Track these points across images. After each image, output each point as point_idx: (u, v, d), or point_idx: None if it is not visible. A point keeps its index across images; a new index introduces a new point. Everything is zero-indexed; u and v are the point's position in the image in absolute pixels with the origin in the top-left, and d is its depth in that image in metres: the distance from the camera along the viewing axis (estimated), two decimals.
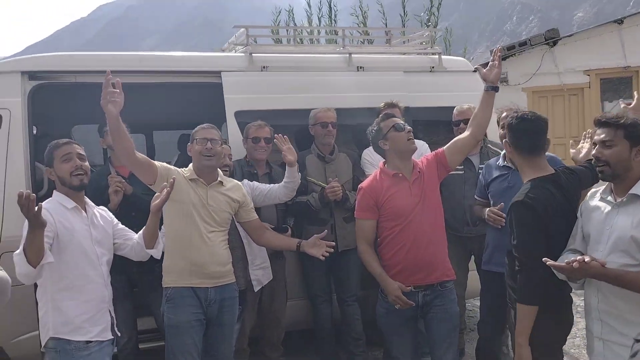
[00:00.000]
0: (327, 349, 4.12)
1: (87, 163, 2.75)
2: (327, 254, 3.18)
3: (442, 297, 2.99)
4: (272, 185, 3.61)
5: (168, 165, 3.10)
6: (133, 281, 3.69)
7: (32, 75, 3.77)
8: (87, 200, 2.81)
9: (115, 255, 3.17)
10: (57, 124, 5.21)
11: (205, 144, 3.01)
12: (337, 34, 5.37)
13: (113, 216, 2.95)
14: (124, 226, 2.93)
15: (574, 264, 2.13)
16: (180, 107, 5.14)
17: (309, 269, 4.05)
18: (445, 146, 3.10)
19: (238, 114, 4.13)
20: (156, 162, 3.04)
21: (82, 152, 2.75)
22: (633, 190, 2.26)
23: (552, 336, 2.56)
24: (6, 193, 3.56)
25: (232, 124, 4.12)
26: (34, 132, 3.88)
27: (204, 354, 3.05)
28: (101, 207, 2.94)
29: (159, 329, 3.66)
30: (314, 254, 3.18)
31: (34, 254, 2.33)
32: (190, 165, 3.12)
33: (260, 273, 3.54)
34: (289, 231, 3.69)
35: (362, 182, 3.93)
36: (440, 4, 10.41)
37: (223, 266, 3.06)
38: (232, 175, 3.70)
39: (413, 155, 3.09)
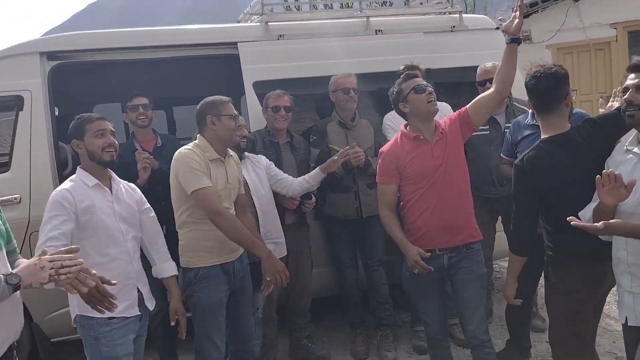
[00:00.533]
0: (354, 315, 4.15)
1: (116, 141, 2.73)
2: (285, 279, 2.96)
3: (468, 259, 2.96)
4: (287, 176, 3.58)
5: (201, 169, 2.88)
6: None
7: (50, 55, 3.79)
8: (114, 175, 2.78)
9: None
10: (78, 103, 5.25)
11: (238, 120, 3.01)
12: None
13: (143, 198, 2.89)
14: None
15: (599, 224, 2.17)
16: (199, 81, 5.13)
17: (333, 236, 4.07)
18: (469, 104, 3.02)
19: (256, 85, 4.11)
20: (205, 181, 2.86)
21: (113, 130, 2.74)
22: None
23: (577, 286, 2.54)
24: (32, 174, 3.63)
25: (250, 95, 4.10)
26: (56, 112, 3.93)
27: (229, 323, 3.06)
28: (130, 184, 2.90)
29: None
30: (332, 168, 3.38)
31: None
32: (199, 141, 2.97)
33: (273, 247, 3.50)
34: (313, 199, 3.68)
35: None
36: None
37: None
38: (252, 146, 3.70)
39: (436, 117, 3.03)
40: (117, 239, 2.62)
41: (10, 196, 3.60)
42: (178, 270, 2.99)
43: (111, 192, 2.70)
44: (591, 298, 2.59)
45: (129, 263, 2.68)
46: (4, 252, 2.06)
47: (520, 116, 3.64)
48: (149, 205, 2.89)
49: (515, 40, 2.83)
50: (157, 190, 3.48)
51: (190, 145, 2.97)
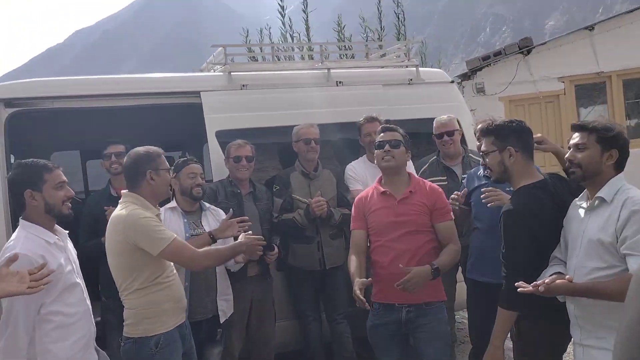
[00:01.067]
0: None
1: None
2: (261, 243, 3.00)
3: (428, 316, 2.94)
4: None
5: (159, 223, 2.74)
6: None
7: (8, 102, 3.70)
8: (58, 228, 2.55)
9: (109, 280, 2.98)
10: (36, 151, 5.12)
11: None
12: (312, 50, 5.38)
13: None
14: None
15: (540, 287, 2.23)
16: (161, 129, 5.11)
17: (296, 288, 4.01)
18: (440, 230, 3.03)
19: (219, 134, 4.11)
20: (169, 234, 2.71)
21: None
22: (599, 194, 2.31)
23: (549, 338, 2.56)
24: None
25: (213, 144, 4.09)
26: (12, 160, 3.81)
27: None
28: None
29: None
30: (228, 235, 3.21)
31: None
32: (134, 199, 2.73)
33: (225, 304, 3.44)
34: (275, 249, 3.65)
35: (346, 197, 3.95)
36: (404, 17, 10.55)
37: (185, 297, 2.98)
38: (214, 195, 3.67)
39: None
40: (80, 297, 2.46)
41: None
42: (124, 343, 2.74)
43: (65, 246, 2.54)
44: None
45: (91, 321, 2.54)
46: None
47: (473, 169, 3.74)
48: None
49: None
50: None
51: (129, 206, 2.69)
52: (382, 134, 3.11)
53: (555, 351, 2.59)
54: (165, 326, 2.71)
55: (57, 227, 2.53)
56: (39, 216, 2.42)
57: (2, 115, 3.67)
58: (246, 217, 3.28)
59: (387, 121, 4.24)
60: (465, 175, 3.77)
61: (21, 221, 2.43)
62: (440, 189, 3.15)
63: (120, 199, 2.81)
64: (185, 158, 3.59)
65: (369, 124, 3.99)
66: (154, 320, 2.69)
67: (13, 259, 2.03)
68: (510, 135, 2.63)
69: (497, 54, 9.83)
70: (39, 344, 2.31)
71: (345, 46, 7.46)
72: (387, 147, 3.02)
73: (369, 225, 3.05)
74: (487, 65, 9.75)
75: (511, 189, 3.19)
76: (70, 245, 2.60)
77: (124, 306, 2.74)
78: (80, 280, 2.54)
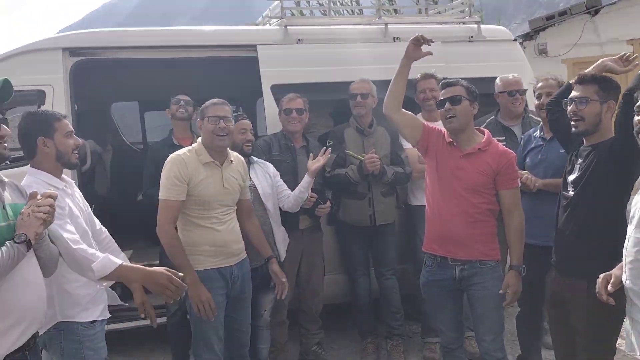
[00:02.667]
0: (365, 323, 4.13)
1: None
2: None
3: (481, 275, 2.89)
4: (287, 189, 3.56)
5: (178, 178, 2.87)
6: None
7: (73, 51, 3.82)
8: (65, 177, 2.59)
9: None
10: (96, 101, 5.29)
11: (218, 122, 2.92)
12: (368, 6, 5.27)
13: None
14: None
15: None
16: (217, 82, 5.15)
17: (346, 243, 4.05)
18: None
19: (274, 88, 4.12)
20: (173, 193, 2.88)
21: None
22: None
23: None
24: None
25: (268, 98, 4.11)
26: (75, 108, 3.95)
27: (225, 328, 3.03)
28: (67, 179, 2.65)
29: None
30: (278, 278, 3.28)
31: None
32: (197, 145, 2.99)
33: (283, 249, 3.55)
34: (328, 203, 3.68)
35: (399, 156, 3.91)
36: None
37: (240, 243, 3.08)
38: (268, 148, 3.71)
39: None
40: (90, 241, 2.48)
41: None
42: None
43: (72, 193, 2.56)
44: None
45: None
46: None
47: (532, 129, 3.66)
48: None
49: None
50: None
51: (186, 149, 2.99)
52: (442, 91, 2.99)
53: (622, 315, 2.48)
54: (201, 265, 2.90)
55: (64, 176, 2.57)
56: (48, 163, 2.46)
57: (67, 63, 3.79)
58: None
59: (445, 79, 4.15)
60: (523, 136, 3.67)
61: (29, 168, 2.48)
62: (514, 154, 3.02)
63: (181, 148, 2.96)
64: (237, 114, 3.61)
65: (425, 81, 3.91)
66: (190, 258, 2.87)
67: (33, 195, 2.10)
68: (612, 91, 2.57)
69: (562, 13, 9.34)
70: (55, 284, 2.39)
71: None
72: (447, 105, 2.89)
73: (429, 164, 3.00)
74: (550, 26, 9.30)
75: (563, 151, 3.11)
76: (78, 193, 2.63)
77: None
78: (89, 226, 2.57)
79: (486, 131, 3.04)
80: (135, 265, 2.41)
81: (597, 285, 2.26)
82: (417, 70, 4.03)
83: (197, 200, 2.89)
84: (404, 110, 3.08)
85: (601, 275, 2.26)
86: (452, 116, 2.88)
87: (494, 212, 2.94)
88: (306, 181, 3.47)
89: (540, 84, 3.48)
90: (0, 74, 2.16)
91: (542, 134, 3.44)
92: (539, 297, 3.28)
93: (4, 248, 1.88)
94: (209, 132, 2.94)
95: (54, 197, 2.06)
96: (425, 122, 3.11)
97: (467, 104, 2.90)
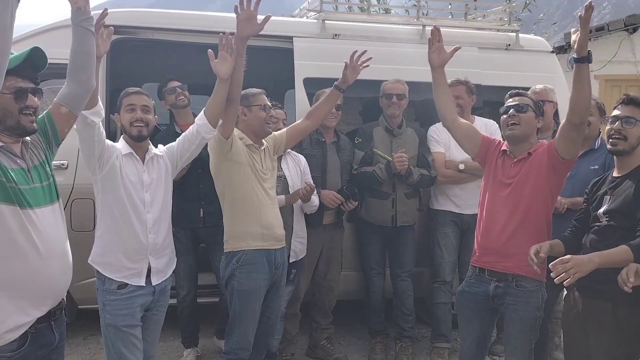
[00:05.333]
0: (375, 322, 4.14)
1: (150, 116, 2.70)
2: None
3: (515, 296, 2.72)
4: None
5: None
6: (199, 237, 3.79)
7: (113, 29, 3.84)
8: (151, 147, 2.77)
9: (182, 212, 3.32)
10: (129, 79, 5.33)
11: (269, 111, 3.05)
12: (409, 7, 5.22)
13: (172, 145, 2.89)
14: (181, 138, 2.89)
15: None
16: (250, 71, 5.16)
17: (365, 241, 4.06)
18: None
19: (307, 81, 4.12)
20: None
21: (148, 105, 2.71)
22: None
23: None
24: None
25: (300, 91, 4.11)
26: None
27: None
28: (160, 147, 2.88)
29: (219, 285, 3.76)
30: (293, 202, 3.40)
31: None
32: (235, 131, 3.03)
33: (299, 246, 3.54)
34: (356, 202, 3.69)
35: (426, 159, 3.90)
36: None
37: (282, 229, 3.11)
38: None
39: (483, 132, 3.04)
40: (138, 209, 2.61)
41: (58, 162, 3.67)
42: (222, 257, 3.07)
43: (143, 162, 2.70)
44: None
45: (144, 237, 2.63)
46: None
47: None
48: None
49: (580, 59, 2.54)
50: (196, 173, 3.55)
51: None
52: (509, 100, 2.88)
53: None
54: (248, 245, 2.94)
55: (150, 147, 2.79)
56: (124, 136, 2.77)
57: None
58: (312, 186, 3.36)
59: (478, 86, 4.12)
60: None
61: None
62: (496, 127, 3.14)
63: None
64: (272, 102, 3.62)
65: (454, 88, 3.86)
66: (235, 238, 2.98)
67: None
68: None
69: (600, 29, 9.19)
70: (99, 229, 2.67)
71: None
72: (512, 111, 2.79)
73: (484, 174, 2.95)
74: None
75: (593, 167, 3.06)
76: (159, 159, 2.81)
77: None
78: (149, 194, 2.71)
79: (544, 141, 2.92)
80: None
81: (620, 276, 2.23)
82: (451, 74, 4.02)
83: (242, 172, 2.96)
84: (461, 120, 3.05)
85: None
86: (515, 123, 2.79)
87: (546, 224, 2.80)
88: (280, 200, 3.35)
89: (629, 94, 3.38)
90: (45, 46, 2.18)
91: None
92: (546, 311, 3.23)
93: None
94: (260, 120, 3.04)
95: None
96: (485, 134, 3.06)
97: (532, 115, 2.82)
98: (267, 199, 3.01)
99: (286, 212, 3.40)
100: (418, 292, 4.11)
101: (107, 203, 2.59)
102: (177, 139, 2.89)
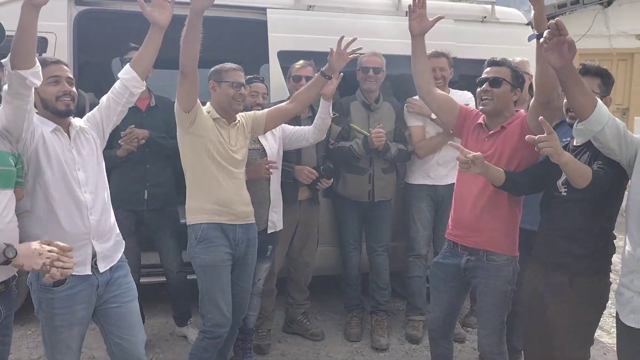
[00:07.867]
0: (351, 297, 4.16)
1: (74, 89, 2.43)
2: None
3: (486, 270, 2.73)
4: (302, 127, 3.55)
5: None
6: (141, 219, 3.68)
7: (78, 0, 3.71)
8: (73, 120, 2.47)
9: (124, 192, 3.40)
10: (98, 53, 5.17)
11: (240, 88, 2.97)
12: None
13: (93, 114, 2.59)
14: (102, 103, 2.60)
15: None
16: (222, 44, 5.04)
17: (342, 216, 4.04)
18: None
19: (281, 54, 4.04)
20: None
21: (71, 76, 2.44)
22: None
23: (604, 294, 2.52)
24: None
25: (274, 64, 4.03)
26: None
27: None
28: (77, 119, 2.53)
29: (162, 265, 3.80)
30: (256, 177, 3.28)
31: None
32: (208, 104, 3.04)
33: (276, 217, 3.50)
34: (332, 180, 3.67)
35: (403, 133, 3.87)
36: None
37: (247, 206, 3.07)
38: None
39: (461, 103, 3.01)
40: (73, 191, 2.35)
41: None
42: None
43: (70, 138, 2.42)
44: None
45: (85, 218, 2.37)
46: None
47: None
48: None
49: (539, 36, 2.38)
50: (144, 152, 3.50)
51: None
52: (487, 69, 2.78)
53: (603, 308, 2.53)
54: (206, 219, 2.94)
55: (72, 120, 2.48)
56: (42, 112, 2.40)
57: (72, 12, 3.70)
58: (274, 161, 3.33)
59: (454, 59, 4.08)
60: None
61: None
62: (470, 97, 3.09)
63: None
64: (252, 76, 3.54)
65: (437, 59, 3.82)
66: (193, 213, 2.99)
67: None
68: (610, 86, 2.51)
69: (575, 2, 9.23)
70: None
71: None
72: (485, 85, 2.72)
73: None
74: (561, 14, 9.20)
75: (568, 139, 3.07)
76: (85, 133, 2.51)
77: None
78: (84, 172, 2.44)
79: (522, 111, 2.84)
80: None
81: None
82: (427, 47, 3.96)
83: (205, 146, 2.91)
84: (438, 91, 3.00)
85: None
86: (488, 99, 2.73)
87: (518, 199, 2.79)
88: (324, 105, 3.39)
89: (586, 63, 3.33)
90: (2, 19, 2.08)
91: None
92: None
93: None
94: (228, 97, 2.95)
95: (70, 250, 2.04)
96: (463, 105, 3.00)
97: (507, 88, 2.72)
98: (227, 175, 2.95)
99: (262, 185, 3.36)
100: (394, 266, 4.13)
101: (39, 186, 2.31)
102: (98, 105, 2.61)
